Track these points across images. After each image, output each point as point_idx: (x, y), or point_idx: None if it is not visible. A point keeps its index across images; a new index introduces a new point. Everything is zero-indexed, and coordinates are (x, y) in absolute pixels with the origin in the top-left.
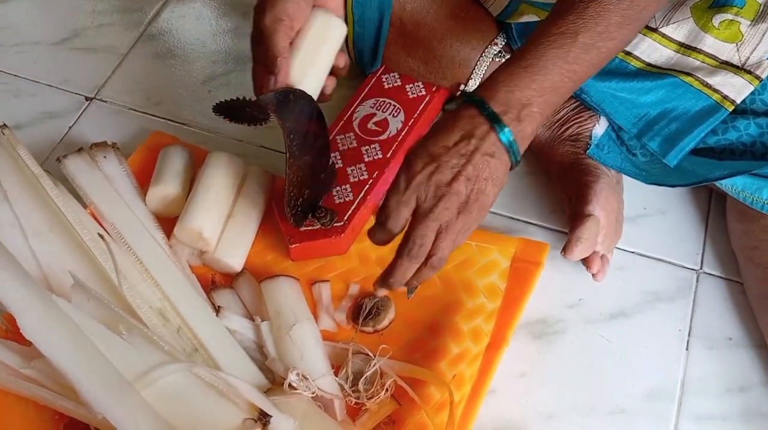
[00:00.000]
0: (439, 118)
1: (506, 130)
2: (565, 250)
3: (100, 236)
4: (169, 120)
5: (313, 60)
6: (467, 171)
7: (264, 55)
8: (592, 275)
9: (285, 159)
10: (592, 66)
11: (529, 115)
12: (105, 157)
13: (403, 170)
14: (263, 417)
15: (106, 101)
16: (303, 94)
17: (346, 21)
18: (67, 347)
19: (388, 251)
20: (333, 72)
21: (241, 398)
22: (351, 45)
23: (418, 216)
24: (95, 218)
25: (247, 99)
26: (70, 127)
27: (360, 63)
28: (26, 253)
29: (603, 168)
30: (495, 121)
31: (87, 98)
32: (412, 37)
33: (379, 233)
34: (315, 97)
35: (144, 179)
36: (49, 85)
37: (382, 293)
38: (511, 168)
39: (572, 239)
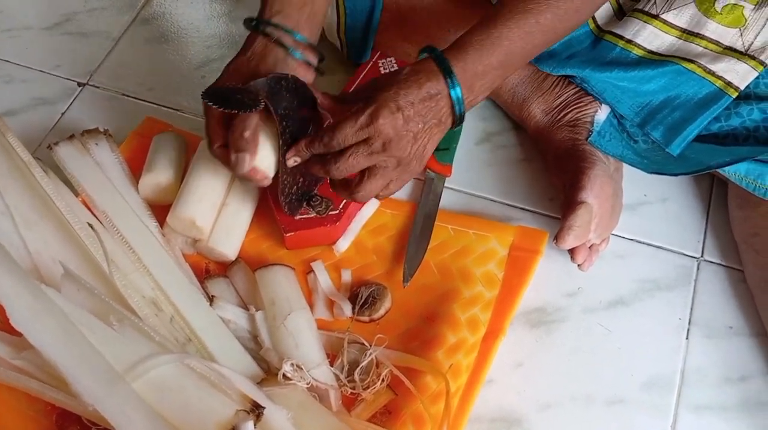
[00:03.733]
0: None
1: (461, 100)
2: (557, 238)
3: (90, 224)
4: (163, 106)
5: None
6: (419, 132)
7: (233, 131)
8: (578, 265)
9: (278, 146)
10: (546, 45)
11: (482, 87)
12: (97, 144)
13: (369, 105)
14: (256, 409)
15: (98, 87)
16: (296, 80)
17: (337, 14)
18: (57, 338)
19: (385, 240)
20: None
21: (233, 390)
22: (343, 36)
23: (360, 146)
24: (87, 207)
25: (237, 85)
26: (62, 114)
27: (351, 54)
28: (16, 242)
29: (599, 155)
30: (453, 90)
31: (79, 84)
32: (409, 22)
33: (316, 145)
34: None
35: (136, 166)
36: (41, 71)
37: (292, 162)
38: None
39: (564, 226)
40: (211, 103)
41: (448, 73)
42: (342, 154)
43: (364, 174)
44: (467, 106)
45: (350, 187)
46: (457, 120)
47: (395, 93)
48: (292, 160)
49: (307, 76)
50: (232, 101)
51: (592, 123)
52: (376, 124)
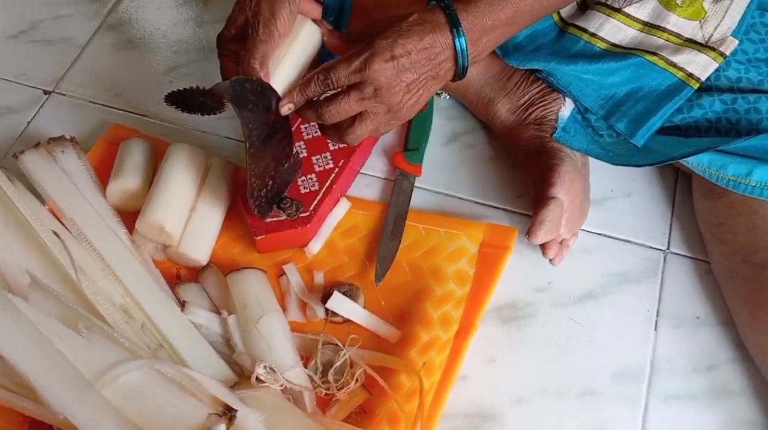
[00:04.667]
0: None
1: (465, 53)
2: (528, 233)
3: (55, 233)
4: (130, 112)
5: (295, 71)
6: (413, 86)
7: (243, 58)
8: (549, 260)
9: (245, 149)
10: (552, 8)
11: (487, 42)
12: (63, 151)
13: (365, 50)
14: (228, 412)
15: (65, 94)
16: (261, 83)
17: None
18: (25, 347)
19: (357, 241)
20: None
21: (205, 393)
22: None
23: (352, 92)
24: (54, 215)
25: (201, 88)
26: (28, 122)
27: (323, 51)
28: None
29: (567, 151)
30: (458, 42)
31: (45, 92)
32: (376, 17)
33: (311, 87)
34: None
35: (105, 173)
36: (6, 80)
37: (286, 109)
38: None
39: (535, 222)
40: (173, 107)
41: (455, 25)
42: (334, 99)
43: (355, 118)
44: (471, 61)
45: (340, 131)
46: (459, 74)
47: (393, 41)
48: (287, 108)
49: (314, 10)
50: (194, 104)
51: (556, 120)
52: (368, 70)
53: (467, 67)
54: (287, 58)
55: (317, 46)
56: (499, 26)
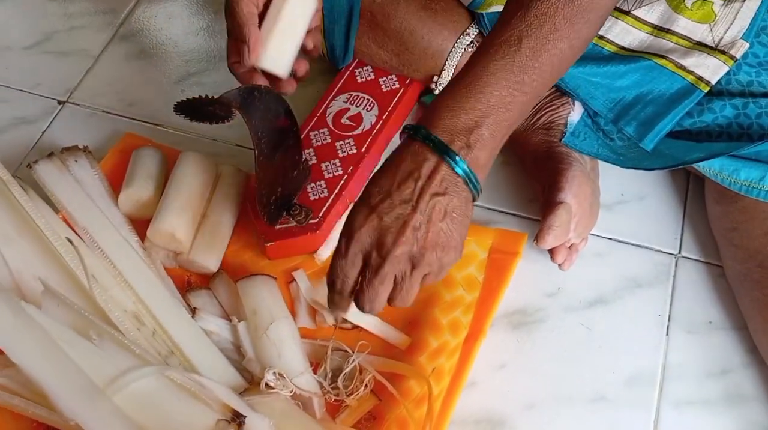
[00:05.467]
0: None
1: (458, 159)
2: (537, 238)
3: (69, 240)
4: (143, 121)
5: (289, 34)
6: (414, 220)
7: (232, 27)
8: (558, 265)
9: (254, 157)
10: (546, 72)
11: (479, 140)
12: (76, 161)
13: (345, 226)
14: (237, 417)
15: (78, 104)
16: (269, 91)
17: None
18: (37, 355)
19: None
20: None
21: (214, 400)
22: (323, 40)
23: (366, 277)
24: (68, 224)
25: (209, 97)
26: (43, 132)
27: (332, 58)
28: None
29: (576, 155)
30: (443, 153)
31: (60, 102)
32: (383, 30)
33: (334, 299)
34: (287, 74)
35: (117, 182)
36: (21, 90)
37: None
38: (474, 199)
39: (544, 227)
40: (182, 116)
41: (427, 140)
42: (361, 290)
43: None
44: (473, 166)
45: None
46: (468, 184)
47: (365, 195)
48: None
49: None
50: (203, 113)
51: (565, 125)
52: (353, 237)
53: (472, 175)
54: (277, 26)
55: (312, 12)
56: (481, 118)
